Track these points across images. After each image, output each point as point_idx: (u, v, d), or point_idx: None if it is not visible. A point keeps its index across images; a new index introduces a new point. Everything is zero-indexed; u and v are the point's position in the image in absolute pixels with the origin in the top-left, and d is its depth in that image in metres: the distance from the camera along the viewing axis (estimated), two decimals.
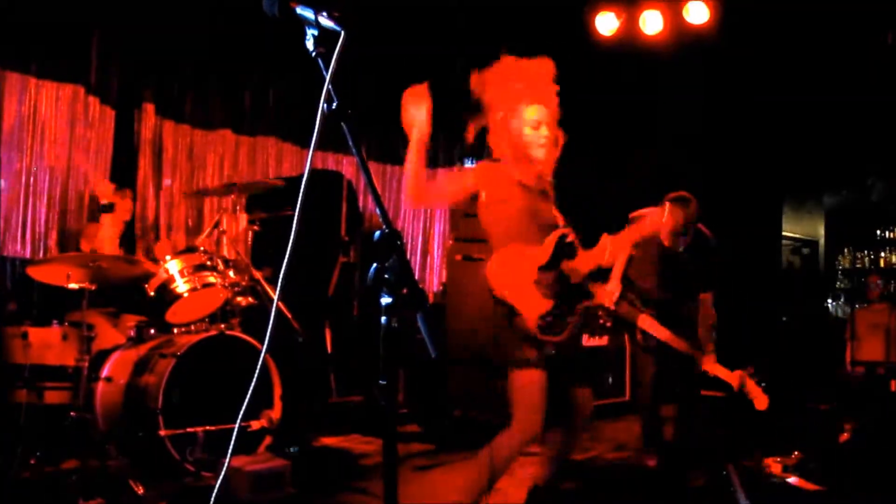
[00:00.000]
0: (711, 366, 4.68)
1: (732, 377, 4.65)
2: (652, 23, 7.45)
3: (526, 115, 3.41)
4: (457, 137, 8.51)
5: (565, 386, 3.29)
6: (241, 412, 2.04)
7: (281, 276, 1.90)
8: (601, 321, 5.20)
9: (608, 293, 5.03)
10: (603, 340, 6.92)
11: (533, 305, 3.13)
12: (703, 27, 7.24)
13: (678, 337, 4.82)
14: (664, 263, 5.04)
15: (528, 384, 3.14)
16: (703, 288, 5.09)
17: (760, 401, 4.57)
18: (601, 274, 5.26)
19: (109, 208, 5.38)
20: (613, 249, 3.29)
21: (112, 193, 5.47)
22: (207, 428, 4.32)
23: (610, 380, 6.95)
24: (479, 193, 3.31)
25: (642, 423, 5.27)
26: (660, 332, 4.85)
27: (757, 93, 7.82)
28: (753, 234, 8.15)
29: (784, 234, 9.25)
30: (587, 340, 6.83)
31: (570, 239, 3.28)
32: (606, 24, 7.62)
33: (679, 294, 5.03)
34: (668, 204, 4.92)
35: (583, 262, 3.28)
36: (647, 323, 4.91)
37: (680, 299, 5.03)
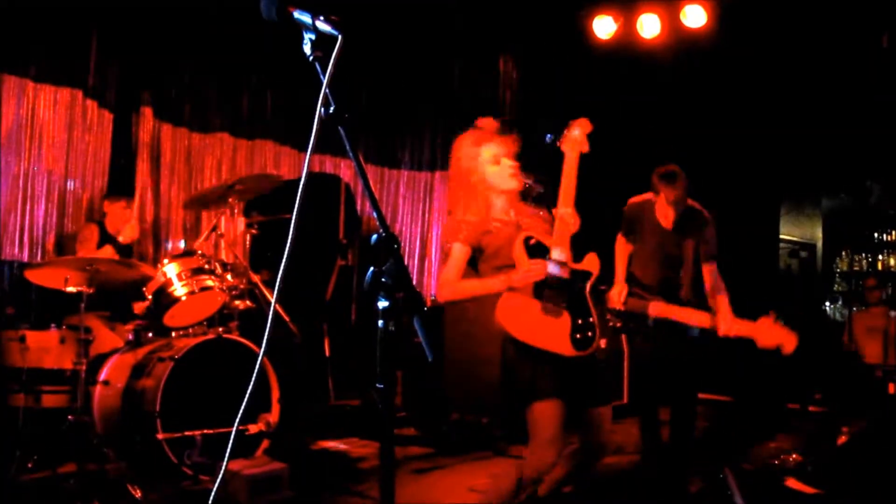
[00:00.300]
0: (730, 326, 4.53)
1: (757, 326, 4.48)
2: (649, 26, 7.46)
3: (483, 155, 3.41)
4: (454, 140, 8.52)
5: (582, 406, 3.28)
6: (239, 415, 2.04)
7: (278, 279, 1.90)
8: (610, 324, 5.16)
9: (616, 294, 5.05)
10: (601, 343, 6.91)
11: (557, 337, 3.12)
12: (700, 30, 7.25)
13: (692, 311, 4.74)
14: (663, 242, 5.01)
15: (545, 415, 3.12)
16: (705, 259, 4.98)
17: (790, 341, 4.40)
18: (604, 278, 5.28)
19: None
20: (566, 210, 3.30)
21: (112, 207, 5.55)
22: (205, 431, 4.32)
23: (609, 382, 6.94)
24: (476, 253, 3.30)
25: (641, 426, 5.27)
26: (674, 313, 4.76)
27: (754, 96, 7.84)
28: (751, 236, 8.16)
29: (782, 236, 9.26)
30: None
31: (533, 241, 3.25)
32: (604, 27, 7.64)
33: (681, 268, 4.96)
34: (658, 183, 4.88)
35: (558, 244, 3.26)
36: (658, 308, 4.82)
37: (682, 274, 4.97)
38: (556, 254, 3.20)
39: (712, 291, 4.91)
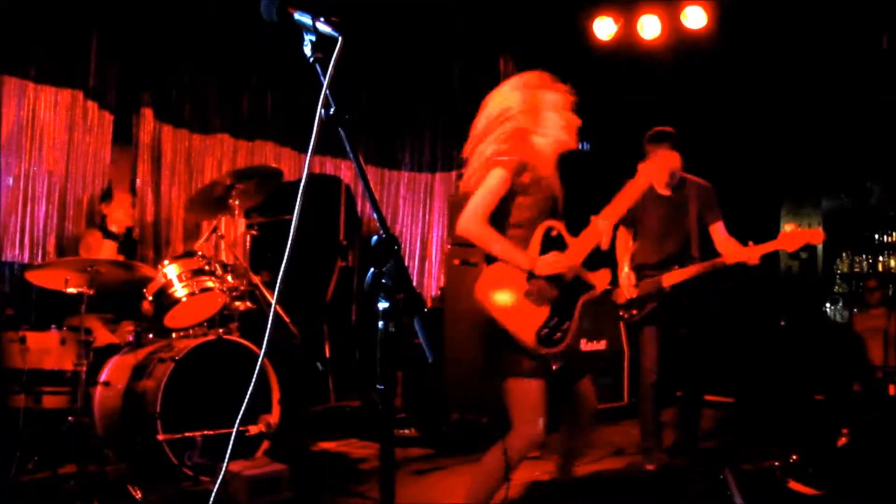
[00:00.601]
0: (753, 251, 4.66)
1: (780, 238, 4.64)
2: (650, 27, 7.47)
3: (546, 98, 3.31)
4: (454, 141, 8.54)
5: (566, 384, 3.27)
6: (240, 417, 2.04)
7: (279, 280, 1.91)
8: (626, 317, 5.17)
9: (625, 283, 5.06)
10: (601, 345, 6.91)
11: (526, 324, 3.08)
12: (700, 31, 7.26)
13: (704, 263, 4.84)
14: (665, 213, 5.03)
15: (526, 393, 3.10)
16: (711, 221, 5.03)
17: (816, 236, 4.63)
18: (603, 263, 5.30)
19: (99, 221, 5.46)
20: (606, 224, 3.25)
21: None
22: (206, 432, 4.32)
23: (607, 383, 6.94)
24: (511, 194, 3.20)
25: (641, 427, 5.27)
26: (687, 273, 4.85)
27: (755, 97, 7.84)
28: (751, 238, 8.15)
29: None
30: (585, 345, 6.83)
31: (555, 232, 3.22)
32: (604, 28, 7.64)
33: (687, 237, 5.02)
34: (650, 149, 4.92)
35: (576, 252, 3.22)
36: (673, 277, 4.89)
37: (689, 243, 5.02)
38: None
39: (723, 245, 4.95)
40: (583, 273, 3.26)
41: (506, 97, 3.30)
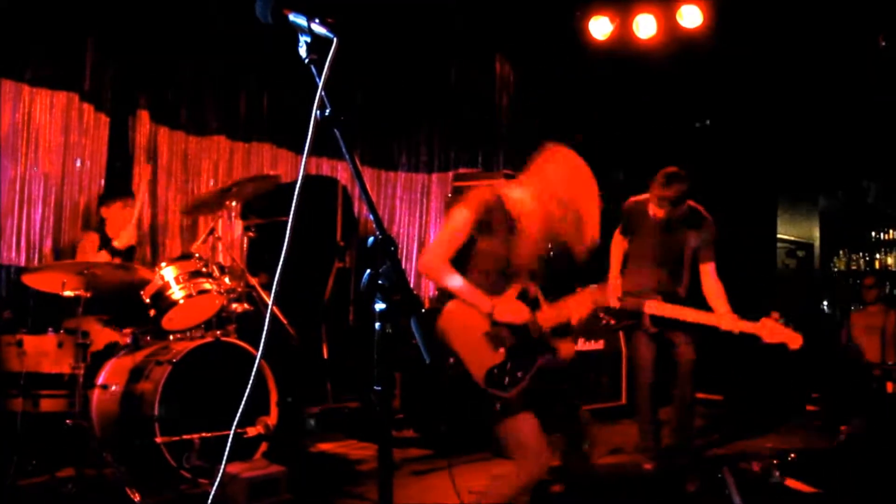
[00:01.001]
0: (733, 324, 4.50)
1: (761, 325, 4.44)
2: (645, 27, 7.48)
3: (582, 201, 3.22)
4: (451, 143, 8.54)
5: (551, 409, 3.25)
6: (237, 418, 2.04)
7: (275, 281, 1.91)
8: (604, 322, 5.14)
9: (610, 290, 5.04)
10: (599, 344, 6.92)
11: (480, 361, 3.06)
12: (696, 31, 7.26)
13: (690, 309, 4.72)
14: (659, 240, 5.04)
15: (518, 430, 3.08)
16: (703, 260, 5.01)
17: (794, 340, 4.41)
18: (597, 276, 5.30)
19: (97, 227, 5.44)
20: (581, 305, 3.25)
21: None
22: (204, 435, 4.31)
23: (605, 382, 6.94)
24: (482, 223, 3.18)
25: (639, 426, 5.28)
26: (670, 311, 4.73)
27: (751, 95, 7.85)
28: (748, 236, 8.17)
29: (779, 236, 9.26)
30: (583, 344, 6.83)
31: (532, 295, 3.21)
32: (600, 28, 7.65)
33: (678, 267, 5.01)
34: (653, 182, 4.95)
35: (547, 315, 3.21)
36: (654, 307, 4.79)
37: (679, 274, 5.01)
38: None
39: (710, 291, 4.92)
40: (549, 338, 3.23)
41: (562, 177, 3.24)
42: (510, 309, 3.12)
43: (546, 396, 3.18)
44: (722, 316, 4.61)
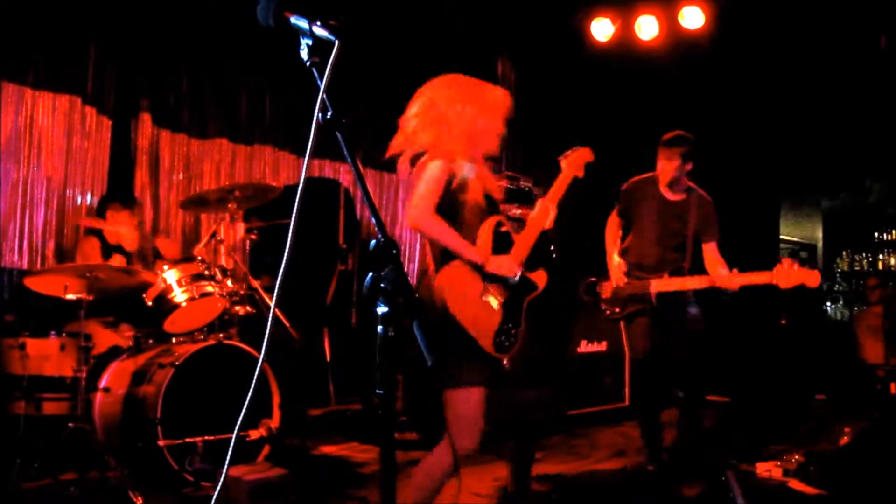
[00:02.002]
0: (745, 278, 4.51)
1: (776, 272, 4.40)
2: (647, 28, 7.48)
3: (485, 101, 3.27)
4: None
5: (511, 391, 3.26)
6: (240, 421, 2.04)
7: (277, 284, 1.90)
8: (608, 313, 5.10)
9: (616, 273, 4.97)
10: (602, 346, 6.91)
11: (485, 329, 3.05)
12: (698, 32, 7.26)
13: (693, 276, 4.75)
14: (664, 216, 4.98)
15: (468, 402, 3.05)
16: (706, 240, 4.96)
17: (811, 277, 4.37)
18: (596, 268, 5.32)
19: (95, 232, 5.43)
20: (544, 211, 3.25)
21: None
22: (206, 438, 4.31)
23: (608, 384, 6.93)
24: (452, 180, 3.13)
25: (641, 428, 5.27)
26: (675, 284, 4.74)
27: (753, 96, 7.84)
28: (751, 237, 8.16)
29: (782, 237, 9.27)
30: (586, 346, 6.82)
31: (504, 228, 3.20)
32: (602, 29, 7.65)
33: (681, 245, 4.93)
34: (660, 149, 4.94)
35: (522, 245, 3.20)
36: (661, 284, 4.78)
37: (682, 251, 4.93)
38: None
39: (712, 266, 4.86)
40: (526, 273, 3.23)
41: (449, 94, 3.34)
42: (502, 263, 3.12)
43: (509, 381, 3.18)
44: (730, 276, 4.60)
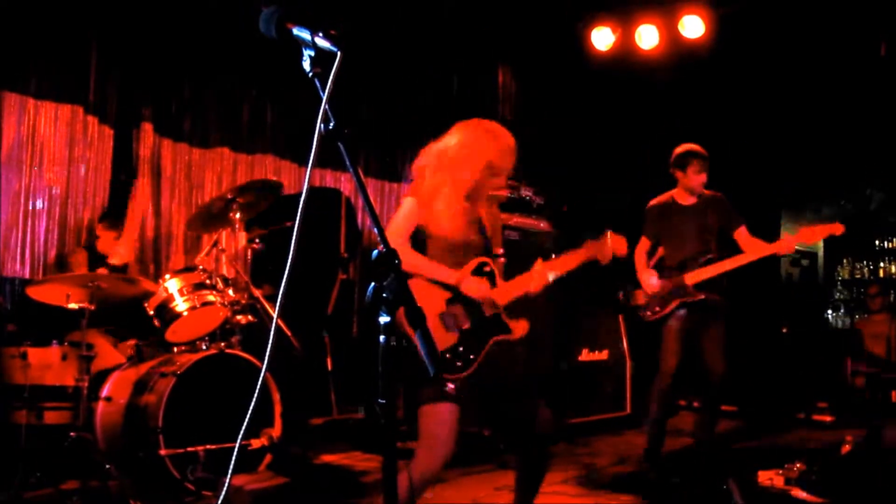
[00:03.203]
0: (776, 246, 5.02)
1: (801, 233, 5.00)
2: (648, 37, 7.50)
3: (492, 158, 3.26)
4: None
5: (501, 416, 3.23)
6: (242, 431, 2.04)
7: (280, 293, 1.91)
8: (648, 315, 5.32)
9: (647, 280, 5.28)
10: (603, 354, 6.91)
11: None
12: (698, 41, 7.28)
13: (726, 261, 5.10)
14: (692, 220, 5.30)
15: (426, 417, 3.06)
16: (734, 227, 5.28)
17: (837, 228, 5.07)
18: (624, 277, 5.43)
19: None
20: (539, 276, 3.20)
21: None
22: (208, 447, 4.31)
23: (610, 392, 6.92)
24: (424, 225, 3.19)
25: (648, 429, 5.37)
26: (711, 271, 5.10)
27: (753, 105, 7.86)
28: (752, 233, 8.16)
29: (783, 233, 9.27)
30: (587, 355, 6.82)
31: (487, 268, 3.18)
32: (602, 39, 7.67)
33: (710, 241, 5.27)
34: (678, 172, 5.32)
35: (504, 291, 3.17)
36: (695, 276, 5.13)
37: (710, 245, 5.26)
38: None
39: (748, 247, 5.20)
40: (504, 315, 3.20)
41: (463, 143, 3.35)
42: (475, 285, 3.11)
43: (495, 385, 3.13)
44: (758, 249, 5.05)
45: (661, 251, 5.44)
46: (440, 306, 3.08)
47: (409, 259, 3.09)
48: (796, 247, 5.82)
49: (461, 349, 3.07)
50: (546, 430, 3.21)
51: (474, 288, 3.11)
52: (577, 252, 3.36)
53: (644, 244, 5.45)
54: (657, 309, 5.25)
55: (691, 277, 5.14)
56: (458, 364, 3.05)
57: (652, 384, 5.38)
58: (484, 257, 3.21)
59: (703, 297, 5.14)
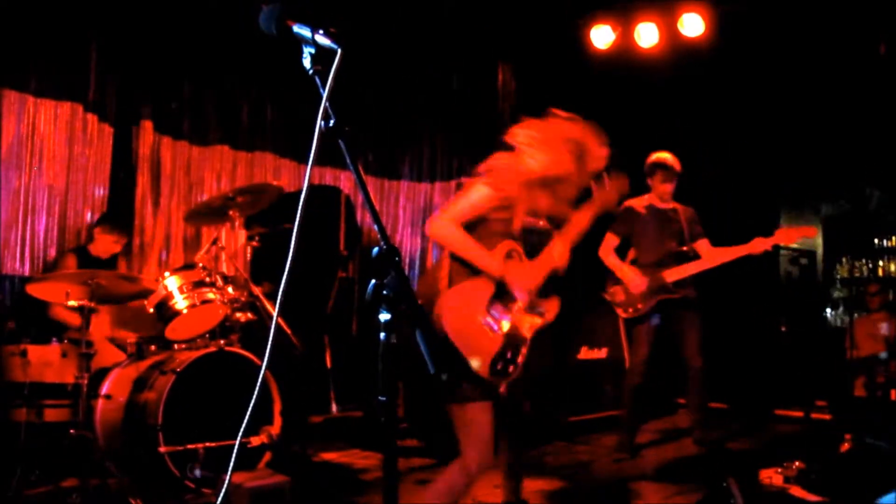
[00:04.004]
0: (748, 248, 5.18)
1: (777, 235, 5.18)
2: (647, 36, 7.49)
3: (588, 163, 3.30)
4: (454, 152, 8.54)
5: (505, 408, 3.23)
6: (242, 428, 2.04)
7: (280, 291, 1.91)
8: (630, 312, 5.45)
9: (631, 277, 5.41)
10: (601, 353, 6.91)
11: (480, 351, 2.99)
12: (698, 39, 7.28)
13: (702, 260, 5.34)
14: (662, 218, 5.51)
15: (475, 419, 3.04)
16: (695, 238, 5.51)
17: (810, 231, 5.51)
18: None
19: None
20: (563, 247, 3.24)
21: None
22: (207, 444, 4.32)
23: (608, 391, 6.92)
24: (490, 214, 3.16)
25: (629, 420, 5.63)
26: (691, 269, 5.31)
27: (753, 104, 7.85)
28: (751, 228, 8.16)
29: (781, 244, 9.26)
30: (586, 353, 6.82)
31: (515, 255, 3.17)
32: (602, 37, 7.66)
33: (681, 240, 5.48)
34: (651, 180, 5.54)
35: (532, 275, 3.18)
36: (675, 273, 5.32)
37: (684, 243, 5.48)
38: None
39: (711, 255, 5.41)
40: (537, 301, 3.21)
41: (565, 141, 3.33)
42: (520, 275, 3.10)
43: (526, 373, 3.15)
44: (733, 249, 5.23)
45: (631, 252, 5.62)
46: (482, 312, 3.05)
47: (461, 243, 3.06)
48: (795, 244, 6.03)
49: (508, 353, 3.07)
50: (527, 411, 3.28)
51: (524, 283, 3.12)
52: (587, 207, 3.38)
53: (612, 241, 5.56)
54: (639, 306, 5.36)
55: (671, 275, 5.31)
56: (509, 370, 3.07)
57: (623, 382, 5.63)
58: (512, 242, 3.18)
59: (683, 294, 5.31)
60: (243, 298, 5.10)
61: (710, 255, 5.37)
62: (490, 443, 3.05)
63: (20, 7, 5.46)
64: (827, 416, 7.30)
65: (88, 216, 5.95)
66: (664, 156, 5.50)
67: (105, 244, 5.49)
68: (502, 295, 3.11)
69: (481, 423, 3.04)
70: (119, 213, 5.89)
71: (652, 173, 5.51)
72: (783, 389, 7.56)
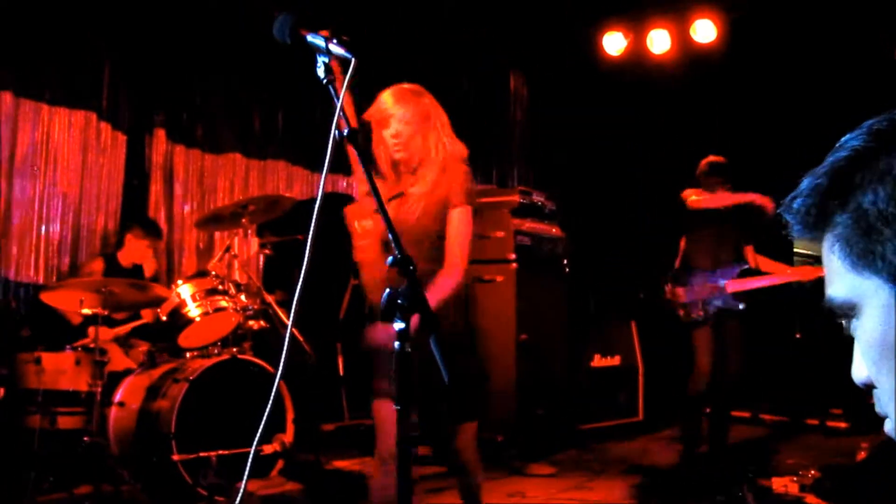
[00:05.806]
0: (807, 271, 5.26)
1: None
2: (659, 42, 7.49)
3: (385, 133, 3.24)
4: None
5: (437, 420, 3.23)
6: (258, 436, 2.04)
7: (295, 300, 1.91)
8: (693, 316, 5.34)
9: (715, 286, 5.31)
10: (615, 360, 6.89)
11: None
12: (710, 45, 7.27)
13: (765, 276, 5.31)
14: (721, 222, 5.39)
15: (377, 415, 3.13)
16: (746, 241, 5.46)
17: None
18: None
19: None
20: None
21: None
22: (220, 452, 4.32)
23: (622, 398, 6.90)
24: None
25: (683, 433, 5.50)
26: (756, 283, 5.27)
27: (765, 110, 7.83)
28: (766, 250, 8.13)
29: (796, 250, 9.21)
30: (599, 360, 6.80)
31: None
32: (614, 43, 7.66)
33: (730, 248, 5.38)
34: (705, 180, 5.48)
35: None
36: (737, 284, 5.23)
37: (731, 253, 5.38)
38: None
39: (760, 264, 5.41)
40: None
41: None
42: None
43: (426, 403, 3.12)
44: (796, 270, 5.33)
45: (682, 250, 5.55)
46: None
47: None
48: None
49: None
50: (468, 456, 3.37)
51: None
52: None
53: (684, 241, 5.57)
54: (700, 313, 5.25)
55: (733, 285, 5.22)
56: None
57: (687, 387, 5.40)
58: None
59: (743, 306, 5.23)
60: (256, 306, 5.10)
61: (759, 263, 5.40)
62: (388, 437, 3.08)
63: (35, 16, 5.50)
64: (843, 424, 7.25)
65: (102, 223, 5.97)
66: (715, 159, 5.53)
67: (137, 249, 5.49)
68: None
69: (378, 422, 3.14)
70: (148, 219, 5.90)
71: (712, 175, 5.51)
72: (798, 397, 7.52)
